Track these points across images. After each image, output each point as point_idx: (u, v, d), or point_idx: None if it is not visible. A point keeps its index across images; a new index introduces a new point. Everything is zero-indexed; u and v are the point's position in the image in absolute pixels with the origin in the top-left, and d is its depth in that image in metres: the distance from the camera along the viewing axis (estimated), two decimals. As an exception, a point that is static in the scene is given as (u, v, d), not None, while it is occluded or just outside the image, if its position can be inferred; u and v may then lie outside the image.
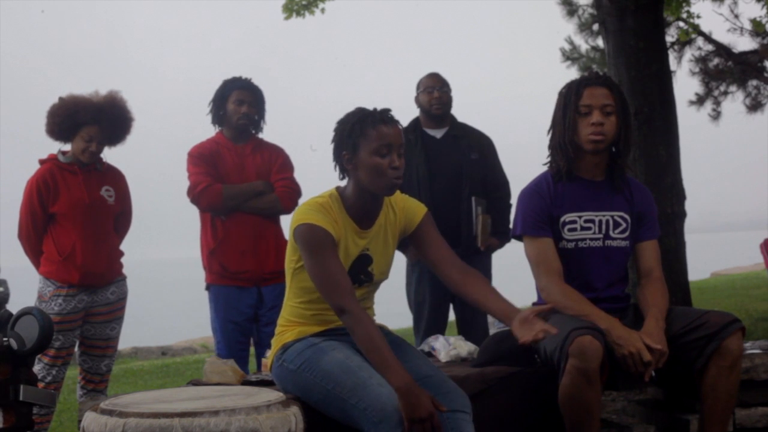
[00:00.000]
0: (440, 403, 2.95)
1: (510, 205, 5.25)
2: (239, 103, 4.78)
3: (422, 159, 5.08)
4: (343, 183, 3.33)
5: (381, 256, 3.35)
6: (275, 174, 4.81)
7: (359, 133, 3.17)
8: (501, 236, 5.12)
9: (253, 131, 4.89)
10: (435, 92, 5.14)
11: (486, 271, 5.17)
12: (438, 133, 5.18)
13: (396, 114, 3.28)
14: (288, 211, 4.71)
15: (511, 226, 3.95)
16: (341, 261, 3.18)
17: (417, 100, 5.23)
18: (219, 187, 4.65)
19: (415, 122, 5.23)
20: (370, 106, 3.29)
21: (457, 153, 5.12)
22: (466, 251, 5.04)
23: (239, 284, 4.70)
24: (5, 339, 3.19)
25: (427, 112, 5.17)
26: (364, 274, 3.31)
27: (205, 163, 4.72)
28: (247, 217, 4.69)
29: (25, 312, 3.23)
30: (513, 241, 4.08)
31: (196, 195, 4.67)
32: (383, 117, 3.19)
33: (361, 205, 3.25)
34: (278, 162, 4.86)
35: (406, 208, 3.40)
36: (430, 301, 5.11)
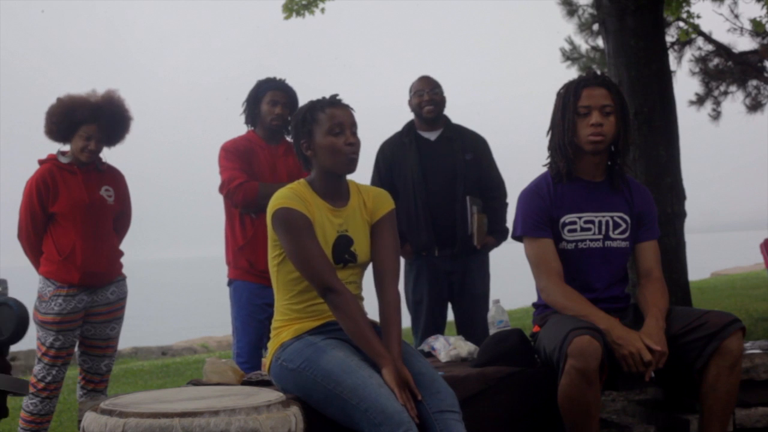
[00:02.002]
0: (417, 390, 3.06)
1: (506, 204, 5.27)
2: (273, 104, 4.80)
3: (416, 161, 5.10)
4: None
5: (361, 236, 3.41)
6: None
7: (311, 119, 3.36)
8: (497, 235, 5.15)
9: (285, 133, 4.90)
10: (425, 95, 5.16)
11: (483, 269, 5.19)
12: (432, 135, 5.20)
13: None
14: None
15: (509, 226, 3.95)
16: (320, 242, 3.27)
17: (410, 103, 5.25)
18: (256, 185, 4.66)
19: (410, 125, 5.26)
20: (320, 96, 3.44)
21: (451, 154, 5.14)
22: (463, 250, 5.06)
23: (263, 282, 4.70)
24: None
25: (419, 115, 5.19)
26: (348, 254, 3.36)
27: (240, 160, 4.73)
28: None
29: (1, 302, 3.23)
30: (511, 241, 4.08)
31: (232, 190, 4.67)
32: (332, 101, 3.40)
33: (327, 186, 3.39)
34: None
35: (377, 197, 3.50)
36: (428, 301, 5.12)
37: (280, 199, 3.29)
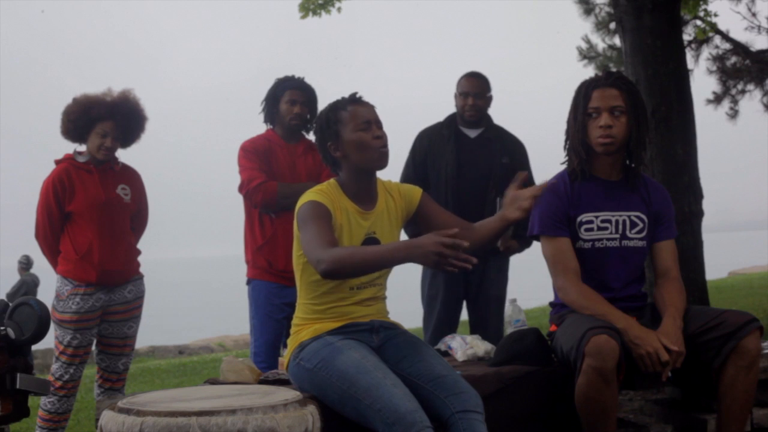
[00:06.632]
0: (447, 233, 2.86)
1: None
2: (292, 103, 4.79)
3: (453, 157, 5.04)
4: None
5: (388, 238, 3.41)
6: (326, 177, 4.80)
7: (335, 119, 3.37)
8: (521, 240, 5.09)
9: (305, 131, 4.90)
10: (470, 99, 5.09)
11: (502, 272, 5.14)
12: (472, 133, 5.14)
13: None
14: None
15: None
16: (347, 244, 3.27)
17: (455, 97, 5.18)
18: (275, 185, 4.65)
19: (452, 118, 5.19)
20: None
21: (488, 155, 5.09)
22: (484, 251, 5.04)
23: (282, 282, 4.71)
24: (2, 328, 3.21)
25: (461, 116, 5.14)
26: None
27: (259, 159, 4.73)
28: None
29: (23, 302, 3.25)
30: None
31: (251, 190, 4.66)
32: (352, 99, 3.41)
33: (357, 186, 3.40)
34: None
35: (403, 192, 3.54)
36: (443, 297, 5.10)
37: (307, 195, 3.32)
